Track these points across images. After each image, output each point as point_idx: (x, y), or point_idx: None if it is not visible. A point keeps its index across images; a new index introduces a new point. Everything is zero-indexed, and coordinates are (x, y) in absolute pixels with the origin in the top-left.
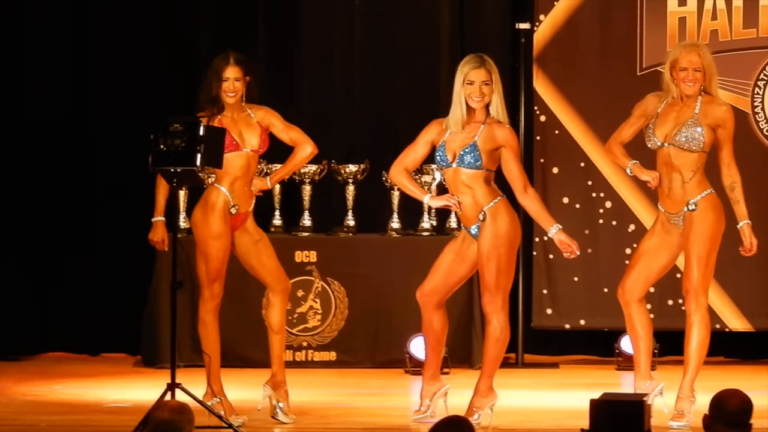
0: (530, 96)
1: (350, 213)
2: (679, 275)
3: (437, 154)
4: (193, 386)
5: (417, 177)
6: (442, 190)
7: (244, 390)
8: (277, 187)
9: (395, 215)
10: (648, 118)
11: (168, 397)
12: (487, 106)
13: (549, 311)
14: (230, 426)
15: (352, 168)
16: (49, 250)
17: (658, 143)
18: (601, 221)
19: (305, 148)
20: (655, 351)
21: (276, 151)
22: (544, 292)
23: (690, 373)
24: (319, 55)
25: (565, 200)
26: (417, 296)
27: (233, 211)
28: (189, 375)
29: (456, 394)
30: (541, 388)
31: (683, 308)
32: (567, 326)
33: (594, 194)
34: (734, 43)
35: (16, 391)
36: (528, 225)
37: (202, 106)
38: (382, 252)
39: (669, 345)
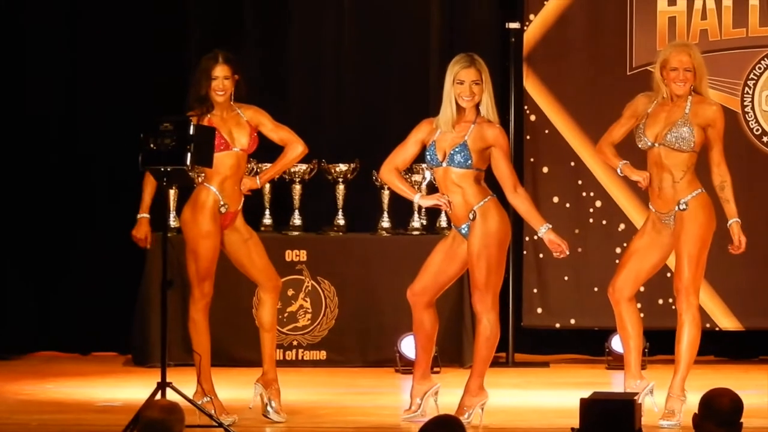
0: (520, 95)
1: (340, 212)
2: (669, 274)
3: (427, 153)
4: (184, 385)
5: (407, 176)
6: (432, 189)
7: (234, 389)
8: (268, 186)
9: (385, 214)
10: (638, 118)
11: (158, 396)
12: (477, 106)
13: (539, 310)
14: (221, 425)
15: (343, 167)
16: (41, 250)
17: (649, 143)
18: (591, 220)
19: (296, 147)
20: (645, 350)
21: (265, 150)
22: (535, 291)
23: (680, 372)
24: (308, 55)
25: (555, 199)
26: (407, 295)
27: (223, 210)
28: (179, 374)
29: (446, 393)
30: (532, 387)
31: (673, 307)
32: (557, 325)
33: (584, 194)
34: (724, 42)
35: (7, 391)
36: (518, 224)
37: (191, 105)
38: (372, 251)
39: (659, 344)
